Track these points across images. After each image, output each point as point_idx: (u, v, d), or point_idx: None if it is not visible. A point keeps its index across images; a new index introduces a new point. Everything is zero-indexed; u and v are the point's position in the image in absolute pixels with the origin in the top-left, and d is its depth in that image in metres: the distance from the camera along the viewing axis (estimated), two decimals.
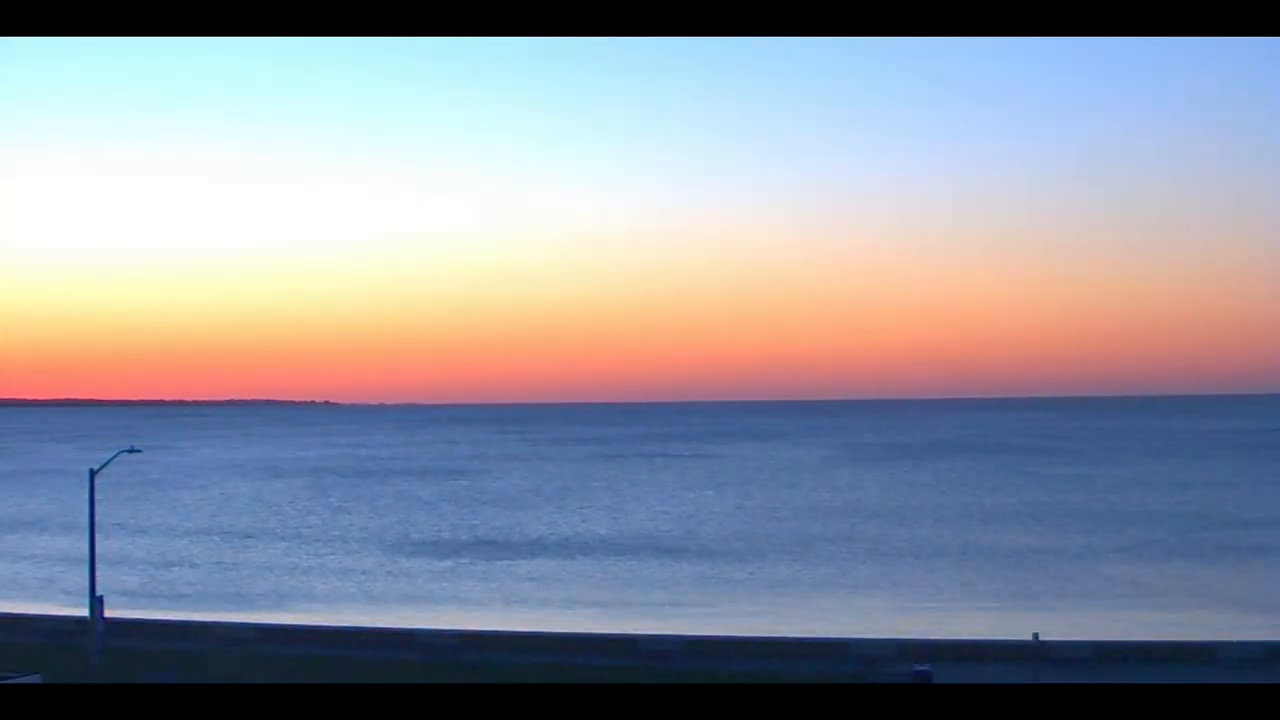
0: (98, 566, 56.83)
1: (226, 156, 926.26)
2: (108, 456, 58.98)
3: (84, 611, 58.91)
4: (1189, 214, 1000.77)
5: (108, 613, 55.57)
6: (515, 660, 62.21)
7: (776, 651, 63.75)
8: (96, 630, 53.28)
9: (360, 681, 52.45)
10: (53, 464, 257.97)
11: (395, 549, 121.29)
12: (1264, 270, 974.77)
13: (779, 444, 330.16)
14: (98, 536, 58.13)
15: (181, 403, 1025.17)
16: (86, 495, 57.18)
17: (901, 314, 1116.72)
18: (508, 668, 59.60)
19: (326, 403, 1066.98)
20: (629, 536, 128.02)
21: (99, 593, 54.62)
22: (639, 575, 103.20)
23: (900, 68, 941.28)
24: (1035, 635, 55.54)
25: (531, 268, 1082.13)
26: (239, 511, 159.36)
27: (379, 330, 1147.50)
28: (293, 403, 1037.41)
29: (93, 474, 55.29)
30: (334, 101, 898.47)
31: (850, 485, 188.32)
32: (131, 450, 62.74)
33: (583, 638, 68.60)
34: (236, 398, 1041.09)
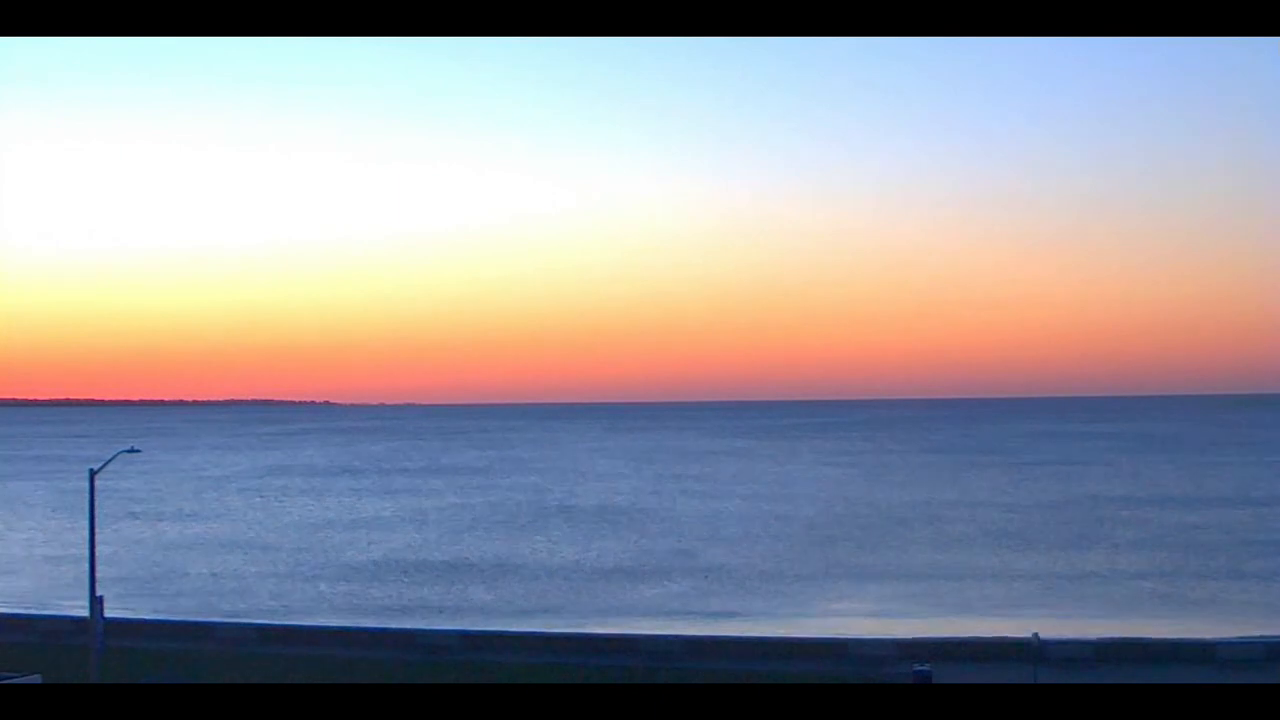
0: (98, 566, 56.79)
1: (226, 156, 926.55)
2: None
3: (84, 611, 58.84)
4: (1186, 214, 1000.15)
5: (108, 613, 55.50)
6: (515, 660, 62.21)
7: (776, 651, 63.72)
8: (96, 630, 53.19)
9: (360, 681, 52.48)
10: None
11: (399, 548, 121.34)
12: (1264, 270, 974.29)
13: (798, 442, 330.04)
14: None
15: (181, 402, 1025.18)
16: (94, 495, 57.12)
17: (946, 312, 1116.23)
18: (508, 668, 59.61)
19: (326, 403, 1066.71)
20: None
21: (99, 593, 54.53)
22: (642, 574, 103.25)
23: (907, 67, 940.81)
24: (1035, 635, 55.51)
25: (528, 267, 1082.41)
26: (245, 510, 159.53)
27: (379, 330, 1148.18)
28: (293, 403, 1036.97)
29: (92, 474, 55.18)
30: (333, 102, 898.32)
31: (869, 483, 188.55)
32: (132, 450, 62.60)
33: (583, 638, 68.58)
34: (236, 398, 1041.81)
